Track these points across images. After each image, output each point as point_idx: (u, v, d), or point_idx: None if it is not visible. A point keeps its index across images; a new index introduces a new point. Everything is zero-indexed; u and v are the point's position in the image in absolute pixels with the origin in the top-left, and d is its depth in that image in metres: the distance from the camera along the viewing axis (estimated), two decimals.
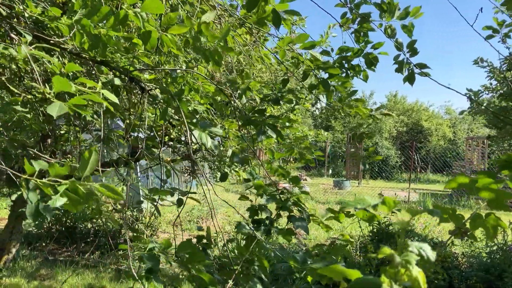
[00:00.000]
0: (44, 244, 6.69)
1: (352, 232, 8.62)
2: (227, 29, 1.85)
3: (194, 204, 9.46)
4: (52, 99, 1.30)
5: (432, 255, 0.71)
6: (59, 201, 1.02)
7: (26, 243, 6.55)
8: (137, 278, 1.65)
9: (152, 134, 2.81)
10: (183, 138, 4.40)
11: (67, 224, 6.91)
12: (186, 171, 5.99)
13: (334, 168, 24.12)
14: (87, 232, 6.92)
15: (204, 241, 1.79)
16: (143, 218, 7.24)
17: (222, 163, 4.95)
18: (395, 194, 13.54)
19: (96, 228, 7.01)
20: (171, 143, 4.85)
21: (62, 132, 3.92)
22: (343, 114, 2.50)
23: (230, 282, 1.64)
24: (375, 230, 5.93)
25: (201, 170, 2.43)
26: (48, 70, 1.86)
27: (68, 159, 4.29)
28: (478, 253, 5.61)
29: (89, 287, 5.27)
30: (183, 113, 1.61)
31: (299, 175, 20.02)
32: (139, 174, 9.82)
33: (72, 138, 3.39)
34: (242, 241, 2.08)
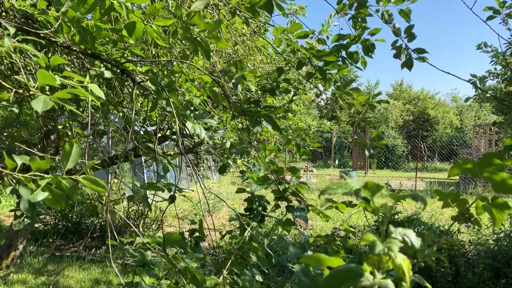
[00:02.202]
0: (51, 240, 6.73)
1: (358, 221, 8.60)
2: (219, 20, 1.82)
3: (201, 197, 9.47)
4: (37, 94, 1.27)
5: (416, 241, 0.68)
6: (40, 195, 1.00)
7: (33, 240, 6.60)
8: (131, 272, 1.63)
9: (149, 128, 2.79)
10: (186, 131, 4.37)
11: (73, 220, 6.95)
12: (189, 165, 5.97)
13: (340, 159, 24.04)
14: (93, 227, 6.95)
15: (197, 234, 1.77)
16: (149, 213, 7.26)
17: (225, 155, 4.93)
18: (400, 183, 13.43)
19: (102, 223, 7.03)
20: (174, 136, 4.83)
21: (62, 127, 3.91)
22: (341, 102, 2.46)
23: (224, 271, 1.62)
24: (380, 219, 5.88)
25: (191, 164, 2.40)
26: (33, 64, 1.84)
27: None
28: (485, 241, 5.55)
29: (95, 282, 5.30)
30: (172, 105, 1.58)
31: (305, 166, 19.97)
32: (144, 169, 9.82)
33: (70, 134, 3.38)
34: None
